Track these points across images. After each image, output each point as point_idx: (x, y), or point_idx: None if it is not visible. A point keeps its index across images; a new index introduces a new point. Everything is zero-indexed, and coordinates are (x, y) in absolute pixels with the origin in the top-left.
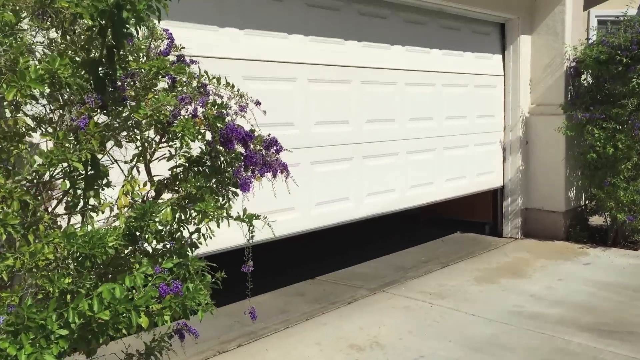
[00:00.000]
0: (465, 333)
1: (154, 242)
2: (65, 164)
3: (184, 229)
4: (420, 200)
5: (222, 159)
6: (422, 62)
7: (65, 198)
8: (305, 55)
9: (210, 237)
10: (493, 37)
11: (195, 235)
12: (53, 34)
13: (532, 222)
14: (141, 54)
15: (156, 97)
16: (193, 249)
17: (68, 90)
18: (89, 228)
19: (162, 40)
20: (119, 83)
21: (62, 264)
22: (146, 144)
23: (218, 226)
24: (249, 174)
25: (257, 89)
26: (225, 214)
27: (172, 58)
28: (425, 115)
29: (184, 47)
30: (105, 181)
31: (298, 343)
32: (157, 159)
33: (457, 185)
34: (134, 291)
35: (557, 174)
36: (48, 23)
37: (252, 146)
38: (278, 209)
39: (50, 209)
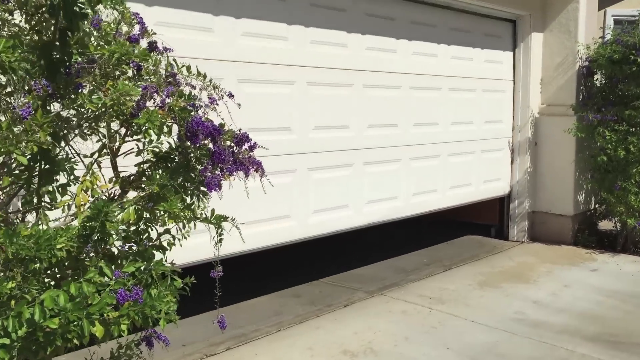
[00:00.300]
0: (464, 340)
1: (118, 243)
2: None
3: (152, 229)
4: (423, 208)
5: (191, 155)
6: (428, 66)
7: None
8: (305, 58)
9: (185, 238)
10: (504, 39)
11: (169, 237)
12: (17, 16)
13: (539, 225)
14: (109, 39)
15: (115, 85)
16: (163, 252)
17: (13, 76)
18: (44, 227)
19: (134, 26)
20: (73, 69)
21: (4, 267)
22: (110, 137)
23: (184, 227)
24: (217, 172)
25: (252, 92)
26: (192, 215)
27: (144, 45)
28: (430, 120)
29: (155, 33)
30: (72, 177)
31: (289, 347)
32: (123, 153)
33: (462, 192)
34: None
35: (566, 177)
36: (11, 3)
37: (221, 142)
38: (273, 216)
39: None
